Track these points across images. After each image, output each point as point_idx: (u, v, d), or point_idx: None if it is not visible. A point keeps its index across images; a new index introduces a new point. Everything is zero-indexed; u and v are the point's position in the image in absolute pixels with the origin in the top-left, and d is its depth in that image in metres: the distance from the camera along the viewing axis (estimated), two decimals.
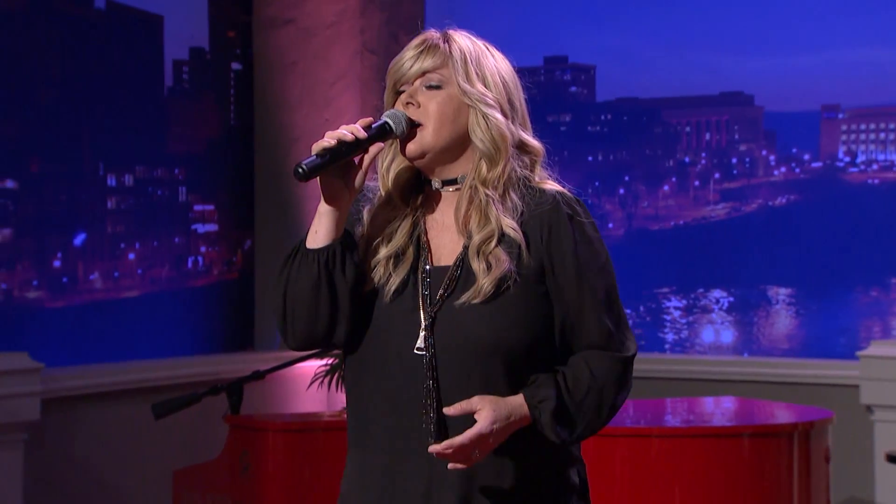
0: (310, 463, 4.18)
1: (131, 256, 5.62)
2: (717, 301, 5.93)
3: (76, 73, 5.37)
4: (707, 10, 5.95)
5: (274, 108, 6.20)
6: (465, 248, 2.23)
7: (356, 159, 2.22)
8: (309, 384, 5.46)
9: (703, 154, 6.06)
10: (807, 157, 5.86)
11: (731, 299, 5.92)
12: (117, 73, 5.56)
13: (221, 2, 6.13)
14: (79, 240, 5.39)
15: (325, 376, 5.39)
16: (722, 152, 6.02)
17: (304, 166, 2.15)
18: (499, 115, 2.25)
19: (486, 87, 2.26)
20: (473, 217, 2.23)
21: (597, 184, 6.07)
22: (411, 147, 2.25)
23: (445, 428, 2.18)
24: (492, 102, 2.25)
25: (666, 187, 6.05)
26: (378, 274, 2.25)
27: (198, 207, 5.96)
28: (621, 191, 6.04)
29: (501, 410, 2.15)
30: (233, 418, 4.39)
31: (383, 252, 2.26)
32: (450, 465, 2.14)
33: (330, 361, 5.38)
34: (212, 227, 6.05)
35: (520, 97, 2.32)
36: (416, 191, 2.32)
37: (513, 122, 2.28)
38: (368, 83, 6.15)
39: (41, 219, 5.22)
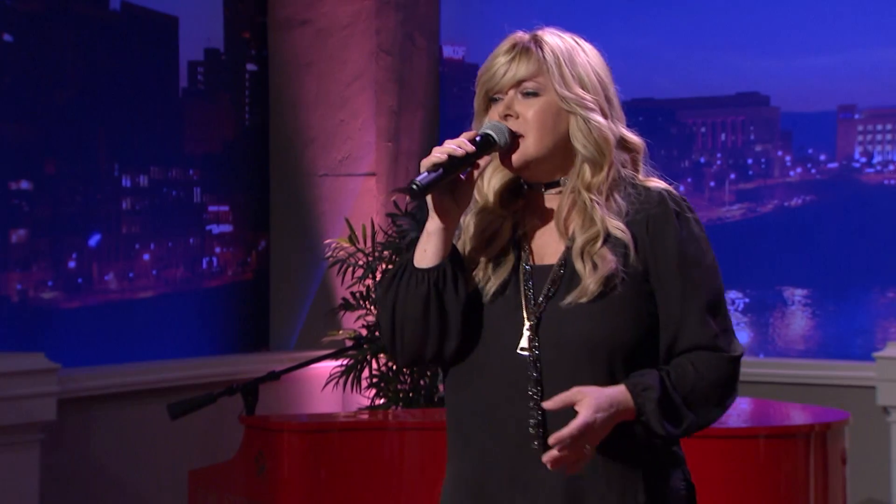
0: (325, 464, 4.18)
1: (146, 257, 5.63)
2: (733, 302, 5.92)
3: (91, 75, 5.38)
4: (723, 11, 5.94)
5: (289, 108, 6.20)
6: (568, 248, 2.19)
7: (463, 174, 2.19)
8: (324, 385, 5.47)
9: (719, 154, 6.04)
10: (823, 157, 5.84)
11: (747, 300, 5.91)
12: (132, 74, 5.57)
13: (236, 3, 6.13)
14: (94, 240, 5.40)
15: (341, 377, 5.40)
16: (738, 153, 6.01)
17: (417, 183, 2.12)
18: (600, 118, 2.20)
19: (583, 88, 2.21)
20: (576, 220, 2.20)
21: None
22: (515, 158, 2.20)
23: (545, 431, 2.14)
24: (591, 105, 2.20)
25: (681, 188, 6.04)
26: (479, 277, 2.22)
27: (212, 208, 5.97)
28: None
29: (603, 400, 2.09)
30: (248, 419, 4.39)
31: (484, 255, 2.23)
32: (567, 471, 2.09)
33: (345, 362, 5.39)
34: (226, 228, 6.05)
35: (614, 90, 2.27)
36: (515, 194, 2.27)
37: (612, 120, 2.23)
38: (384, 84, 6.14)
39: (56, 219, 5.23)
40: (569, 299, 2.15)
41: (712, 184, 6.02)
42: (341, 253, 5.53)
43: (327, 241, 5.74)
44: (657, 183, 2.26)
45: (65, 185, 5.26)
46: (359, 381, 5.36)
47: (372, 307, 5.50)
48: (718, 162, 6.04)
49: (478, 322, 2.20)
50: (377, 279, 5.46)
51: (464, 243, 2.25)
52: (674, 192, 2.25)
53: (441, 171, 2.14)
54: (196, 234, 5.88)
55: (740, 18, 5.91)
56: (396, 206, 5.61)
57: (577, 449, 2.08)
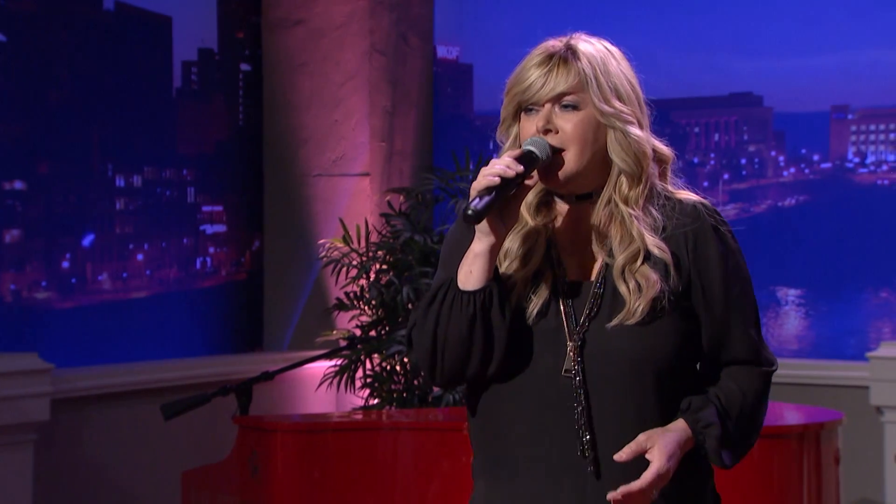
0: (319, 464, 4.18)
1: (140, 257, 5.63)
2: None
3: (85, 75, 5.37)
4: (716, 11, 5.94)
5: (283, 109, 6.20)
6: (607, 265, 2.17)
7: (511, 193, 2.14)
8: (318, 385, 5.47)
9: (712, 155, 6.05)
10: (816, 157, 5.85)
11: None
12: (126, 74, 5.56)
13: (230, 3, 6.13)
14: (87, 240, 5.40)
15: (335, 377, 5.40)
16: (731, 153, 6.01)
17: (472, 209, 2.08)
18: (638, 131, 2.18)
19: (620, 100, 2.18)
20: (614, 234, 2.17)
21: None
22: (559, 175, 2.16)
23: (596, 453, 2.13)
24: (629, 118, 2.18)
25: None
26: (519, 296, 2.18)
27: (206, 208, 5.97)
28: None
29: (671, 444, 2.10)
30: (242, 419, 4.39)
31: (522, 273, 2.18)
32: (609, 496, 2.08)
33: (339, 363, 5.39)
34: (220, 228, 6.05)
35: (643, 98, 2.24)
36: (545, 207, 2.23)
37: (646, 131, 2.21)
38: (377, 84, 6.14)
39: (50, 220, 5.22)
40: (615, 321, 2.13)
41: (706, 184, 6.02)
42: (335, 253, 5.54)
43: (321, 242, 5.74)
44: (689, 195, 2.25)
45: (58, 185, 5.26)
46: (352, 382, 5.36)
47: (366, 307, 5.50)
48: (712, 162, 6.04)
49: (518, 341, 2.16)
50: (371, 279, 5.47)
51: (500, 261, 2.20)
52: (708, 204, 2.25)
53: (494, 193, 2.10)
54: (190, 234, 5.88)
55: (733, 19, 5.91)
56: (390, 206, 5.61)
57: (646, 496, 2.08)
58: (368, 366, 5.38)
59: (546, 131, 2.16)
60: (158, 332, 5.69)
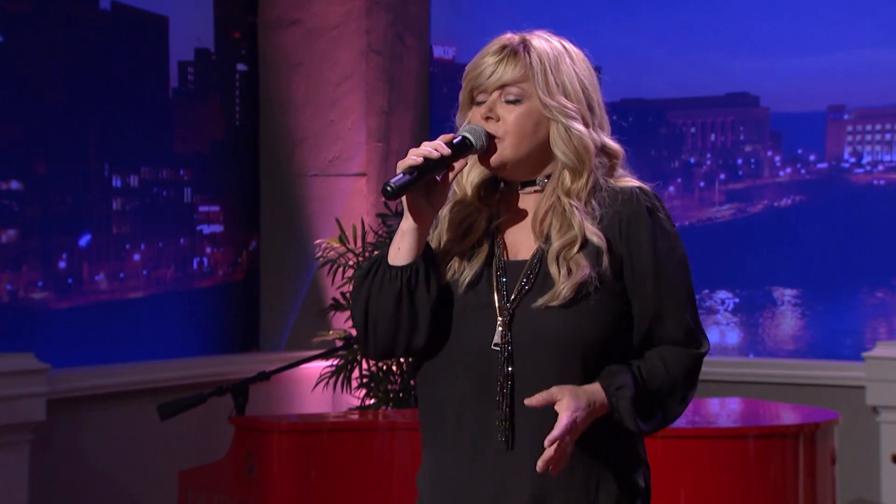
0: (315, 464, 4.18)
1: (136, 257, 5.63)
2: (723, 302, 5.93)
3: (81, 75, 5.37)
4: (713, 11, 5.94)
5: (279, 108, 6.20)
6: (543, 249, 2.23)
7: (438, 176, 2.23)
8: (314, 385, 5.47)
9: (709, 155, 6.05)
10: (812, 157, 5.85)
11: (737, 300, 5.92)
12: (122, 74, 5.56)
13: (227, 3, 6.13)
14: (84, 241, 5.39)
15: (331, 377, 5.40)
16: (727, 153, 6.02)
17: (392, 185, 2.16)
18: (581, 127, 2.24)
19: (566, 97, 2.25)
20: (554, 222, 2.23)
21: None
22: (493, 160, 2.25)
23: (513, 425, 2.19)
24: (573, 114, 2.25)
25: (671, 188, 6.05)
26: (453, 269, 2.26)
27: (203, 208, 5.97)
28: None
29: (581, 399, 2.14)
30: (238, 419, 4.39)
31: (458, 248, 2.27)
32: (552, 470, 2.12)
33: (335, 363, 5.38)
34: (217, 228, 6.05)
35: (598, 98, 2.31)
36: (492, 189, 2.32)
37: (593, 128, 2.27)
38: (374, 84, 6.14)
39: (46, 220, 5.22)
40: (540, 301, 2.19)
41: (702, 184, 6.03)
42: (331, 253, 5.53)
43: (317, 242, 5.74)
44: (629, 182, 2.30)
45: (55, 186, 5.26)
46: (349, 382, 5.36)
47: None
48: (708, 162, 6.05)
49: (450, 316, 2.24)
50: None
51: (440, 234, 2.29)
52: (646, 188, 2.29)
53: (416, 173, 2.18)
54: (186, 234, 5.88)
55: (730, 19, 5.92)
56: (387, 207, 5.61)
57: (563, 448, 2.12)
58: (365, 366, 5.38)
59: (488, 118, 2.24)
60: (155, 333, 5.69)
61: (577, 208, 2.22)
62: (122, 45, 5.56)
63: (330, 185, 6.15)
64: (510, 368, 2.19)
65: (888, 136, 5.73)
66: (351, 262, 5.49)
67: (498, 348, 2.20)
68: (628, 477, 2.26)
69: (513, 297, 2.22)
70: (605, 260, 2.20)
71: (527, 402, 2.14)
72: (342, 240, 5.53)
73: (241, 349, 6.12)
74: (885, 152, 5.72)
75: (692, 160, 6.05)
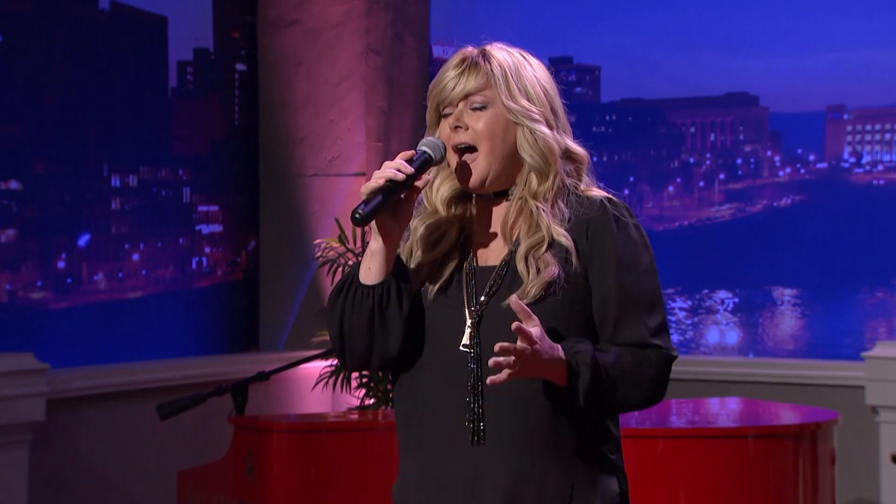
0: (315, 464, 4.18)
1: (135, 257, 5.62)
2: (723, 302, 5.93)
3: (80, 75, 5.37)
4: (712, 11, 5.95)
5: (278, 108, 6.20)
6: (512, 252, 2.27)
7: (402, 194, 2.25)
8: (314, 385, 5.47)
9: (708, 155, 6.05)
10: (812, 157, 5.85)
11: (737, 300, 5.92)
12: (121, 74, 5.56)
13: (226, 3, 6.13)
14: (83, 241, 5.39)
15: (330, 377, 5.39)
16: (727, 153, 6.02)
17: (360, 212, 2.18)
18: (545, 129, 2.29)
19: (529, 101, 2.29)
20: (522, 226, 2.27)
21: (601, 185, 6.05)
22: (472, 182, 2.29)
23: (483, 428, 2.21)
24: (537, 117, 2.29)
25: (671, 188, 6.05)
26: (423, 276, 2.30)
27: (202, 208, 5.97)
28: (626, 192, 6.04)
29: (546, 339, 2.15)
30: (237, 419, 4.39)
31: (429, 258, 2.31)
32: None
33: (335, 362, 5.38)
34: (216, 228, 6.05)
35: (559, 103, 2.35)
36: (463, 202, 2.35)
37: (557, 131, 2.31)
38: (373, 84, 6.14)
39: (46, 220, 5.22)
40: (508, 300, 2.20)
41: (702, 184, 6.03)
42: (331, 253, 5.53)
43: (317, 241, 5.74)
44: (598, 192, 2.34)
45: (54, 185, 5.26)
46: (348, 382, 5.36)
47: None
48: (708, 162, 6.05)
49: (423, 321, 2.28)
50: None
51: (411, 246, 2.33)
52: (615, 199, 2.33)
53: (381, 196, 2.20)
54: (186, 234, 5.88)
55: (729, 19, 5.92)
56: None
57: (519, 351, 2.10)
58: None
59: (457, 128, 2.29)
60: (154, 333, 5.69)
61: (543, 210, 2.26)
62: (121, 45, 5.56)
63: (329, 184, 6.15)
64: (479, 369, 2.21)
65: (888, 136, 5.73)
66: (350, 262, 5.48)
67: (467, 349, 2.23)
68: (603, 483, 2.27)
69: (482, 298, 2.25)
70: (574, 260, 2.24)
71: (510, 301, 2.13)
72: (342, 240, 5.53)
73: (240, 349, 6.12)
74: (884, 152, 5.72)
75: (692, 160, 6.05)
